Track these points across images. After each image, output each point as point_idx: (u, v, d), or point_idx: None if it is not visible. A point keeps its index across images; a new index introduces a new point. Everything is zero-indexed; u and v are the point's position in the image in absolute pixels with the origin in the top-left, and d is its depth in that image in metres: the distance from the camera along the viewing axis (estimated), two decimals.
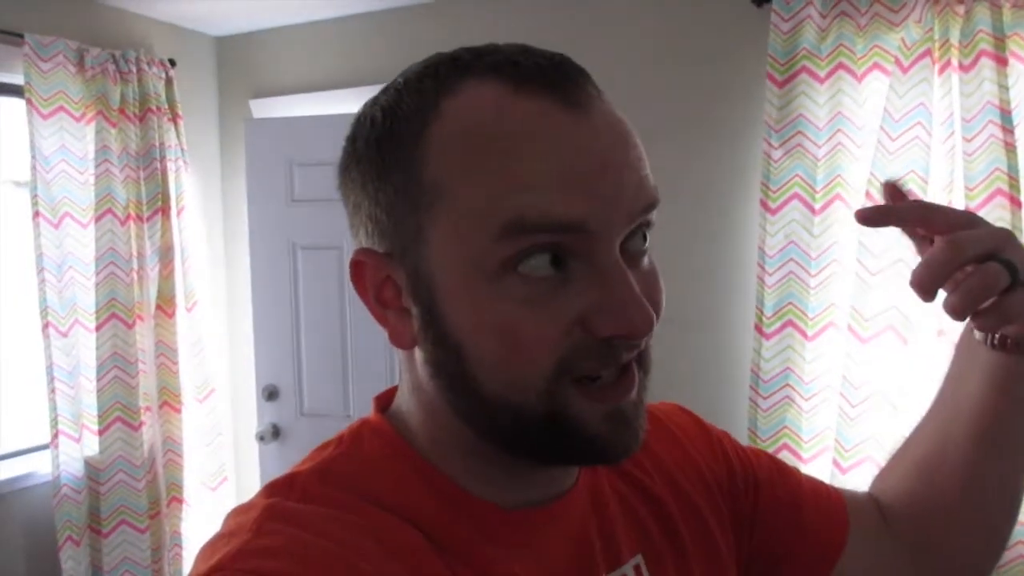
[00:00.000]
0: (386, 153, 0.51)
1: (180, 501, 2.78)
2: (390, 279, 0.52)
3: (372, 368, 2.70)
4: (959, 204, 1.92)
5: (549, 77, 0.48)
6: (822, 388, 2.14)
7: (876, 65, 2.04)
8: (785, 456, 2.16)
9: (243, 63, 3.03)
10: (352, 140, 0.54)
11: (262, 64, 3.00)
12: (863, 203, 2.02)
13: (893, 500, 0.73)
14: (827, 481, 0.84)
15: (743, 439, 2.20)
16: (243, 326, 2.98)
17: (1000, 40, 1.86)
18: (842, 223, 2.08)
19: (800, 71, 2.09)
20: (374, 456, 0.55)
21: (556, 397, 0.48)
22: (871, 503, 0.74)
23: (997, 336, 0.60)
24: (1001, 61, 1.86)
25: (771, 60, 2.12)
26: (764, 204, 2.15)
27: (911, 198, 0.60)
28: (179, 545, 2.78)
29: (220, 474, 2.92)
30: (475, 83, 0.49)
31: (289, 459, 2.84)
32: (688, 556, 0.63)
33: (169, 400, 2.76)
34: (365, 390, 2.70)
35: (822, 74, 2.08)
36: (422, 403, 0.55)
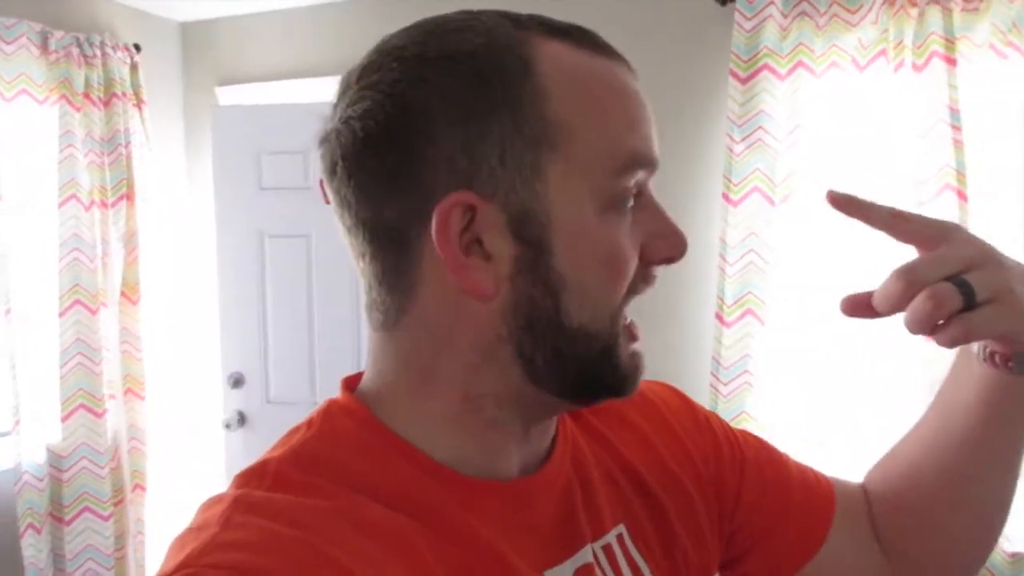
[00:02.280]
0: (492, 87, 0.50)
1: (144, 488, 2.77)
2: (471, 226, 0.51)
3: (339, 356, 2.71)
4: (910, 198, 2.01)
5: (603, 43, 0.56)
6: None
7: (834, 64, 2.12)
8: None
9: (209, 49, 3.01)
10: (417, 80, 0.51)
11: (229, 51, 2.99)
12: (819, 197, 2.09)
13: (881, 496, 0.72)
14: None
15: None
16: (208, 314, 2.97)
17: (950, 42, 1.95)
18: (800, 215, 2.16)
19: (762, 68, 2.16)
20: (348, 437, 0.55)
21: (617, 324, 0.55)
22: (861, 497, 0.73)
23: (987, 350, 0.60)
24: (951, 62, 1.95)
25: (734, 57, 2.19)
26: (726, 196, 2.22)
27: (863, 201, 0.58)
28: (142, 532, 2.76)
29: (184, 461, 2.91)
30: (546, 39, 0.53)
31: (255, 446, 2.85)
32: (671, 527, 0.64)
33: (133, 387, 2.75)
34: (332, 378, 2.68)
35: (783, 71, 2.15)
36: (458, 359, 0.54)
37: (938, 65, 1.95)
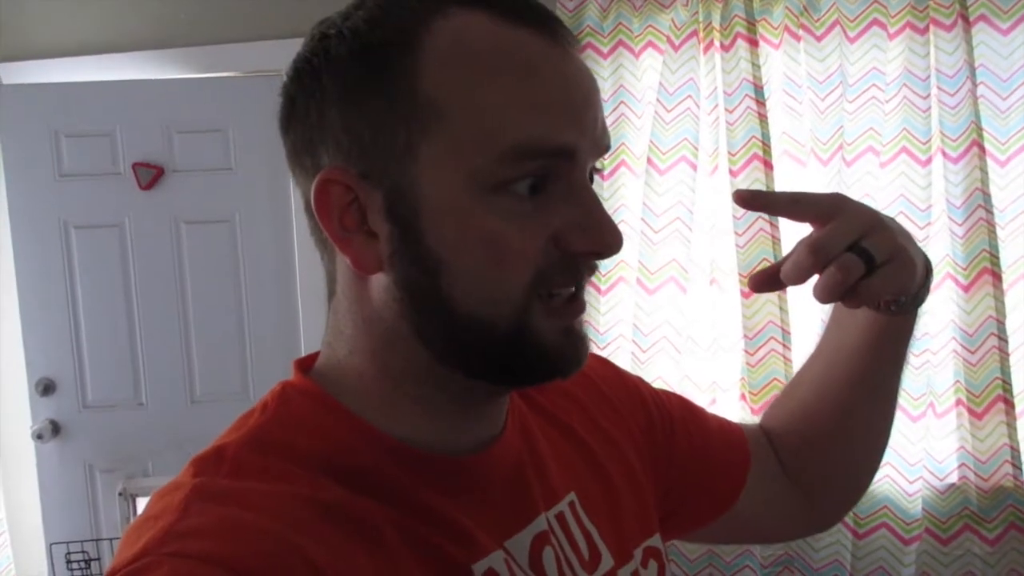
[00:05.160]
0: (373, 63, 0.50)
1: None
2: (355, 202, 0.52)
3: (164, 351, 2.54)
4: (723, 168, 2.19)
5: (537, 14, 0.51)
6: (615, 337, 2.35)
7: (651, 43, 2.26)
8: None
9: None
10: (320, 52, 0.52)
11: (8, 24, 2.68)
12: (646, 169, 2.24)
13: (781, 432, 0.80)
14: None
15: None
16: (7, 315, 2.68)
17: (752, 24, 2.14)
18: (628, 187, 2.29)
19: (586, 47, 2.26)
20: (305, 417, 0.55)
21: (525, 311, 0.51)
22: (763, 436, 0.81)
23: None
24: (753, 43, 2.14)
25: None
26: None
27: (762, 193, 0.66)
28: None
29: None
30: (461, 9, 0.50)
31: (74, 457, 2.63)
32: (617, 493, 0.67)
33: None
34: (158, 375, 2.53)
35: (605, 50, 2.26)
36: (375, 335, 0.55)
37: (742, 45, 2.13)
